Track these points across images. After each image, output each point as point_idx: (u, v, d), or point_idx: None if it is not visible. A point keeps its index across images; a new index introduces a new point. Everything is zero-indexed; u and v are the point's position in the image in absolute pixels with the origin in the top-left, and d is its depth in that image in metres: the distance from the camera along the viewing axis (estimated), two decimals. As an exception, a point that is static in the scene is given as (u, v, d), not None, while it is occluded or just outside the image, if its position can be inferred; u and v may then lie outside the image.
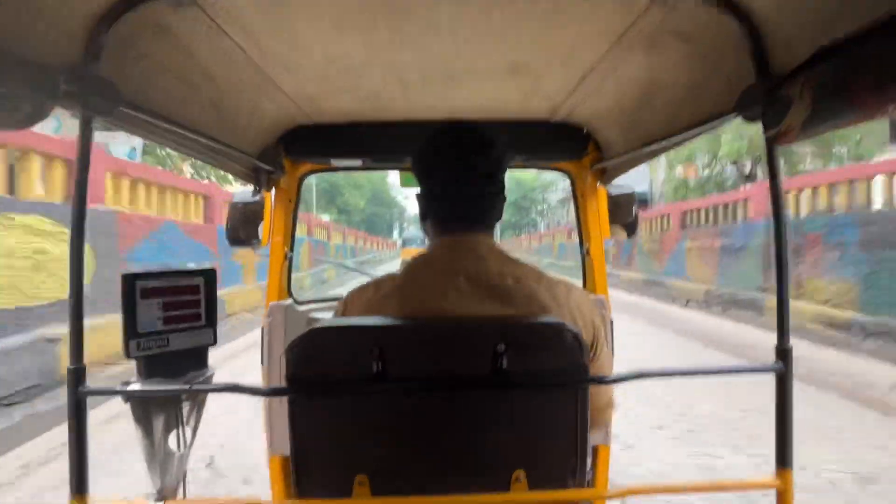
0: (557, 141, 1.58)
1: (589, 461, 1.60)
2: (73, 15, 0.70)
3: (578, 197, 1.76)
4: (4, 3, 0.60)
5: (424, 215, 0.96)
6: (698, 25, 0.86)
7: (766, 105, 0.75)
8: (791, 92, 0.69)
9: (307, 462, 0.80)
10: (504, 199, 0.96)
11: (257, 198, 1.69)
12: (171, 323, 0.85)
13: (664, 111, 1.13)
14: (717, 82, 0.92)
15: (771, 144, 0.80)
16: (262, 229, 1.74)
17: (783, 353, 0.82)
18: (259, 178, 1.53)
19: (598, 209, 1.72)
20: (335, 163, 1.67)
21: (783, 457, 0.81)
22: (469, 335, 0.78)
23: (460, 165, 0.89)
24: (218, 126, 1.18)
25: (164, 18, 0.84)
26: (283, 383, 0.78)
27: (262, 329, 1.67)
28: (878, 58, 0.55)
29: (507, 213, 39.01)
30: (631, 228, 1.74)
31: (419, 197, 0.96)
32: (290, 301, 1.75)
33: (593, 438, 1.57)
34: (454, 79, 1.24)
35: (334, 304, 1.02)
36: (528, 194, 44.93)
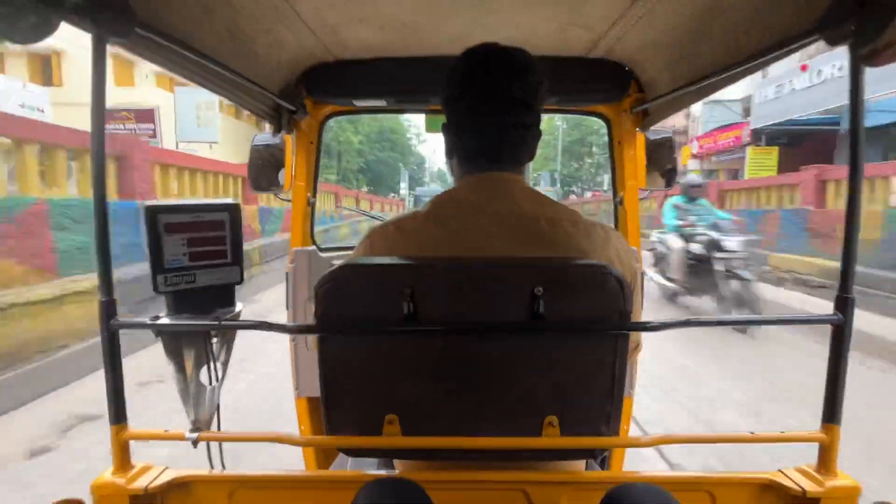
0: (596, 80, 1.46)
1: None
2: None
3: (615, 143, 1.65)
4: None
5: (450, 151, 0.89)
6: None
7: (859, 21, 0.65)
8: (892, 1, 0.59)
9: (337, 400, 0.79)
10: (539, 134, 0.87)
11: (278, 140, 1.64)
12: (197, 259, 0.83)
13: (724, 39, 1.01)
14: (793, 1, 0.80)
15: (857, 69, 0.69)
16: (284, 174, 1.70)
17: (843, 302, 0.75)
18: (280, 119, 1.48)
19: (636, 156, 1.61)
20: (359, 103, 1.59)
21: (832, 411, 0.76)
22: (505, 277, 0.74)
23: (491, 91, 0.80)
24: (236, 57, 1.11)
25: None
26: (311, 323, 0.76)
27: (287, 274, 1.67)
28: None
29: (552, 162, 32.48)
30: (669, 177, 1.64)
31: (445, 130, 0.88)
32: (313, 247, 1.74)
33: None
34: (486, 4, 1.13)
35: None
36: (586, 137, 32.38)
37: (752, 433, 0.79)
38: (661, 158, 1.63)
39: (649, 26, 1.16)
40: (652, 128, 1.58)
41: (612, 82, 1.46)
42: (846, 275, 0.75)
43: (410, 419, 0.77)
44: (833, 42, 0.71)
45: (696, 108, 22.68)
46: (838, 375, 0.76)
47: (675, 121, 26.47)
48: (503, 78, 0.80)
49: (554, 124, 31.36)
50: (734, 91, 17.04)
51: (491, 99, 0.80)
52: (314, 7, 1.12)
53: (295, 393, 1.67)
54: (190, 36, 0.94)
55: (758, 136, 15.98)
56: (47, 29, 0.60)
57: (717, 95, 17.72)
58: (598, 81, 1.47)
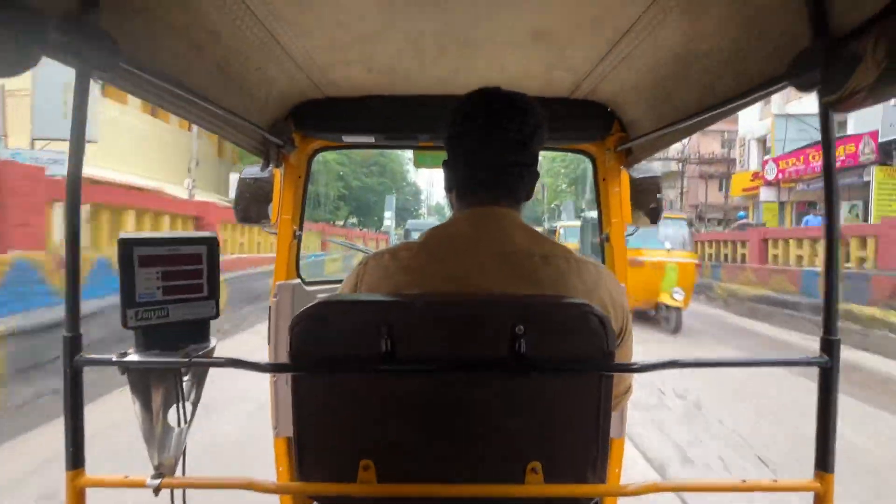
0: (580, 120, 1.50)
1: None
2: None
3: (599, 180, 1.68)
4: None
5: (450, 186, 0.91)
6: None
7: (825, 68, 0.67)
8: (857, 50, 0.61)
9: (310, 443, 0.76)
10: (537, 174, 0.89)
11: (266, 174, 1.65)
12: (171, 293, 0.81)
13: (700, 83, 1.04)
14: (764, 47, 0.84)
15: (826, 113, 0.72)
16: (272, 207, 1.70)
17: (828, 345, 0.74)
18: (268, 153, 1.49)
19: (621, 194, 1.64)
20: (347, 139, 1.61)
21: (824, 460, 0.74)
22: (486, 314, 0.72)
23: (490, 130, 0.82)
24: (225, 93, 1.13)
25: None
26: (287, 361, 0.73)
27: (269, 308, 1.64)
28: None
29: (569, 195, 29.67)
30: (654, 215, 1.66)
31: (445, 165, 0.91)
32: (297, 281, 1.71)
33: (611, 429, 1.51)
34: (473, 48, 1.17)
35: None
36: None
37: (744, 481, 0.75)
38: (646, 196, 1.66)
39: (629, 69, 1.21)
40: (638, 166, 1.62)
41: (596, 122, 1.51)
42: (829, 316, 0.75)
43: (386, 465, 0.73)
44: (802, 88, 0.73)
45: (748, 127, 19.16)
46: (829, 421, 0.74)
47: (711, 147, 25.19)
48: (503, 119, 0.83)
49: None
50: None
51: (491, 138, 0.83)
52: (304, 48, 1.15)
53: (273, 433, 1.60)
54: (178, 71, 0.95)
55: (887, 153, 11.16)
56: (28, 63, 0.60)
57: (792, 108, 15.63)
58: (583, 121, 1.51)
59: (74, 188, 0.72)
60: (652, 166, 1.68)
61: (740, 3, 0.83)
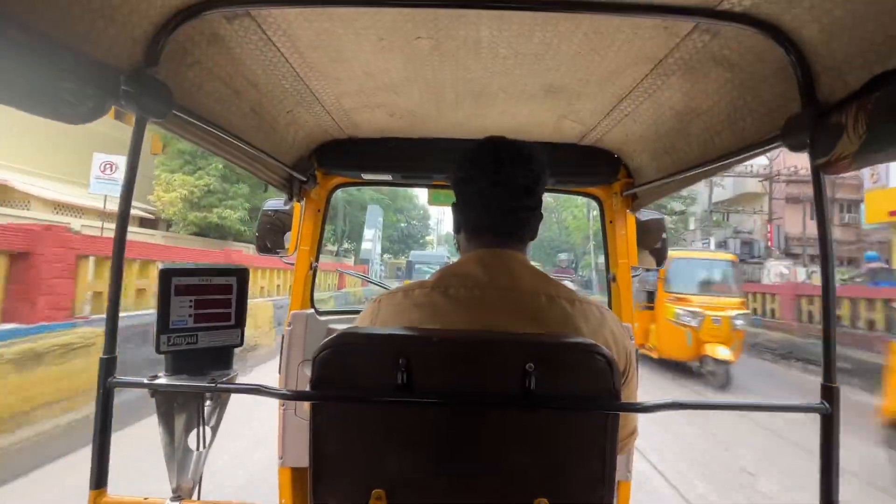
0: (588, 165, 1.58)
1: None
2: (139, 20, 0.74)
3: (606, 223, 1.74)
4: (76, 4, 0.64)
5: (458, 227, 0.96)
6: (741, 52, 0.85)
7: (814, 134, 0.73)
8: (842, 120, 0.67)
9: (325, 472, 0.78)
10: (541, 216, 0.94)
11: (287, 207, 1.73)
12: (201, 321, 0.85)
13: (700, 138, 1.11)
14: (759, 110, 0.91)
15: (818, 174, 0.77)
16: (290, 238, 1.77)
17: (828, 391, 0.77)
18: (291, 188, 1.57)
19: (627, 236, 1.69)
20: (366, 177, 1.70)
21: (828, 502, 0.75)
22: (498, 351, 0.76)
23: (497, 176, 0.88)
24: (257, 133, 1.22)
25: (219, 28, 0.88)
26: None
27: (283, 337, 1.68)
28: None
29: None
30: (659, 256, 1.71)
31: (454, 208, 0.96)
32: (311, 310, 1.76)
33: (618, 472, 1.50)
34: (488, 98, 1.26)
35: (355, 316, 1.02)
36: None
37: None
38: (651, 238, 1.71)
39: (634, 122, 1.29)
40: (643, 209, 1.68)
41: (603, 167, 1.58)
42: (829, 364, 0.78)
43: (398, 495, 0.75)
44: (794, 149, 0.79)
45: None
46: (831, 465, 0.76)
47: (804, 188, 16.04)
48: (509, 166, 0.88)
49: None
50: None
51: (497, 184, 0.88)
52: (333, 94, 1.24)
53: (279, 462, 1.60)
54: (218, 115, 1.04)
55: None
56: (100, 112, 0.68)
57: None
58: (591, 166, 1.58)
59: (123, 223, 0.78)
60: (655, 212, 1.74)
61: (737, 70, 0.90)
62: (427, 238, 42.18)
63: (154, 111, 0.80)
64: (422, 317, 0.82)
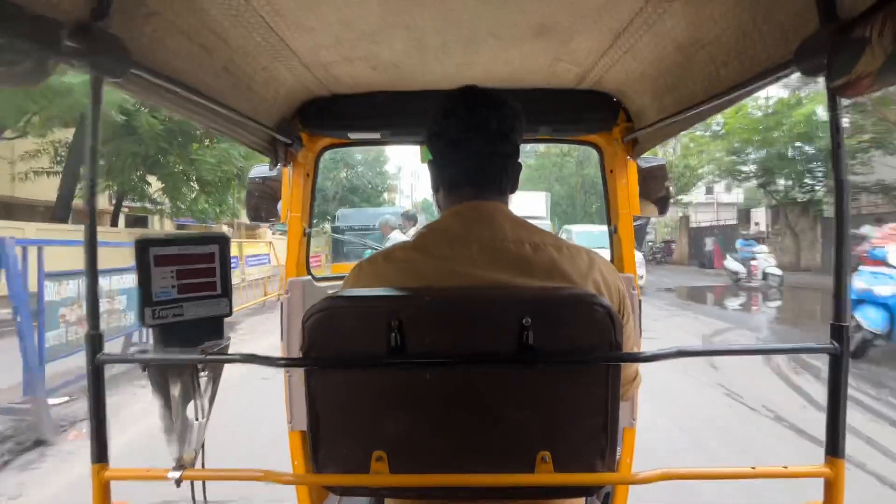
0: (585, 110, 1.50)
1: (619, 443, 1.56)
2: None
3: (607, 172, 1.68)
4: None
5: (436, 185, 0.92)
6: None
7: (832, 52, 0.67)
8: (864, 34, 0.60)
9: (324, 436, 0.77)
10: (520, 165, 0.90)
11: (275, 173, 1.67)
12: (185, 292, 0.83)
13: (705, 71, 1.03)
14: (770, 32, 0.83)
15: (835, 97, 0.71)
16: (282, 205, 1.73)
17: (838, 331, 0.74)
18: (276, 152, 1.51)
19: (628, 184, 1.63)
20: (353, 136, 1.62)
21: (834, 445, 0.74)
22: (492, 307, 0.73)
23: (470, 123, 0.84)
24: (232, 93, 1.15)
25: None
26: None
27: (281, 305, 1.67)
28: None
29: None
30: (662, 205, 1.66)
31: (430, 165, 0.92)
32: (308, 277, 1.74)
33: (623, 419, 1.52)
34: (476, 43, 1.17)
35: None
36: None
37: (754, 468, 0.76)
38: (654, 186, 1.65)
39: (634, 59, 1.20)
40: (645, 156, 1.61)
41: (602, 113, 1.50)
42: (839, 303, 0.75)
43: (399, 455, 0.75)
44: (808, 73, 0.73)
45: None
46: (839, 407, 0.74)
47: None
48: (480, 111, 0.84)
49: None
50: None
51: (469, 130, 0.84)
52: (308, 47, 1.16)
53: (288, 427, 1.63)
54: (186, 74, 0.97)
55: None
56: (44, 72, 0.62)
57: None
58: (589, 112, 1.50)
59: (92, 194, 0.74)
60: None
61: None
62: (385, 195, 28.46)
63: (109, 69, 0.73)
64: (403, 277, 0.79)
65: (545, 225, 9.38)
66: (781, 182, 17.66)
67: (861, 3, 0.64)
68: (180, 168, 11.69)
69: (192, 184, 12.42)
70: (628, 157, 1.59)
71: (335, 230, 10.44)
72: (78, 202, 11.40)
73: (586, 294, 0.72)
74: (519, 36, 1.13)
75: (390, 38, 1.14)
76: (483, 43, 1.17)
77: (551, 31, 1.10)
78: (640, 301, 1.55)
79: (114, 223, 13.66)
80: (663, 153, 19.41)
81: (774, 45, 0.81)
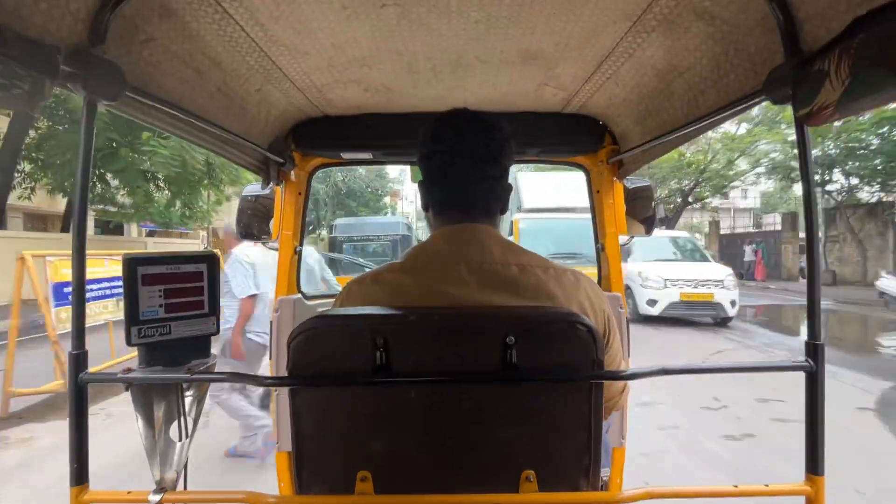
0: (572, 133, 1.54)
1: (609, 463, 1.55)
2: None
3: (594, 192, 1.71)
4: None
5: (426, 205, 0.93)
6: (722, 3, 0.82)
7: (796, 84, 0.70)
8: (824, 68, 0.64)
9: (309, 455, 0.77)
10: (509, 188, 0.92)
11: (267, 191, 1.69)
12: (172, 311, 0.83)
13: (684, 97, 1.08)
14: (741, 63, 0.87)
15: (802, 125, 0.75)
16: (274, 223, 1.74)
17: (813, 349, 0.76)
18: (269, 171, 1.52)
19: (615, 204, 1.66)
20: (345, 156, 1.65)
21: (814, 463, 0.75)
22: (476, 326, 0.74)
23: (457, 147, 0.85)
24: (226, 114, 1.17)
25: (170, 1, 0.82)
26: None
27: (271, 323, 1.66)
28: None
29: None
30: (649, 224, 1.69)
31: (420, 186, 0.93)
32: (298, 296, 1.74)
33: (612, 438, 1.52)
34: (465, 68, 1.21)
35: None
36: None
37: (736, 486, 0.77)
38: (641, 207, 1.68)
39: (617, 85, 1.25)
40: (631, 177, 1.65)
41: (588, 135, 1.54)
42: (813, 321, 0.77)
43: (384, 476, 0.74)
44: (777, 102, 0.76)
45: None
46: (816, 424, 0.76)
47: None
48: (469, 135, 0.86)
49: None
50: None
51: (457, 154, 0.86)
52: (302, 70, 1.19)
53: (276, 447, 1.61)
54: (180, 96, 0.99)
55: None
56: (41, 96, 0.64)
57: None
58: (575, 135, 1.55)
59: (82, 212, 0.75)
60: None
61: (719, 22, 0.86)
62: (385, 200, 25.12)
63: (103, 92, 0.75)
64: (391, 299, 0.80)
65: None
66: (841, 180, 15.09)
67: (821, 38, 0.68)
68: (132, 161, 9.57)
69: (158, 183, 10.60)
70: (614, 179, 1.63)
71: (332, 242, 9.63)
72: (25, 202, 10.04)
73: (568, 313, 0.74)
74: (506, 61, 1.17)
75: (382, 63, 1.18)
76: (471, 68, 1.21)
77: (537, 57, 1.14)
78: (627, 320, 1.57)
79: (64, 228, 12.12)
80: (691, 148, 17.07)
81: (745, 76, 0.86)
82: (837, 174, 14.98)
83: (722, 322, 8.89)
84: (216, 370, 0.87)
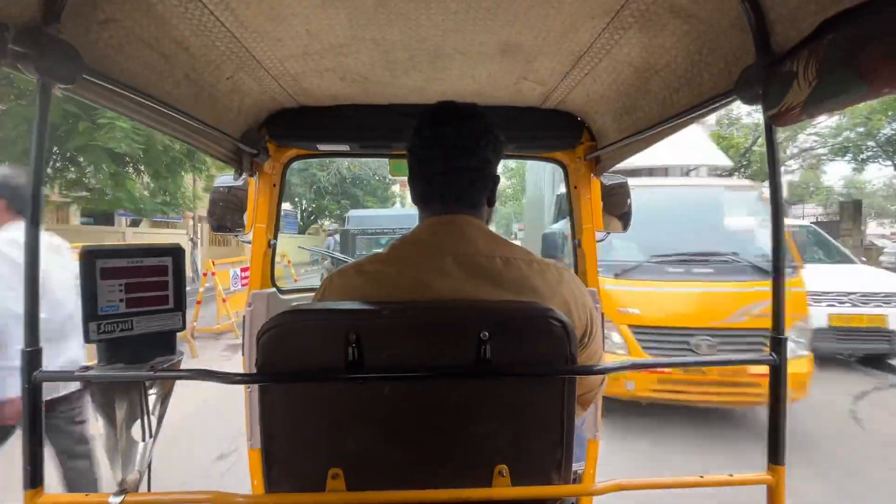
0: (550, 129, 1.54)
1: (584, 456, 1.58)
2: None
3: (571, 188, 1.72)
4: None
5: (413, 199, 0.92)
6: (696, 1, 0.82)
7: (766, 84, 0.72)
8: (793, 68, 0.65)
9: (279, 453, 0.75)
10: (496, 178, 0.91)
11: (240, 183, 1.64)
12: (134, 306, 0.80)
13: (660, 95, 1.09)
14: (715, 63, 0.89)
15: (770, 125, 0.76)
16: (247, 216, 1.69)
17: (777, 343, 0.78)
18: (242, 162, 1.48)
19: (592, 201, 1.68)
20: (321, 148, 1.61)
21: (775, 453, 0.78)
22: (451, 321, 0.73)
23: (432, 140, 0.85)
24: (195, 102, 1.12)
25: None
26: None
27: (244, 318, 1.62)
28: (889, 26, 0.51)
29: None
30: (625, 220, 1.71)
31: (409, 179, 0.92)
32: (273, 290, 1.70)
33: (587, 431, 1.54)
34: (443, 59, 1.19)
35: None
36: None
37: (702, 476, 0.78)
38: (617, 203, 1.70)
39: (595, 81, 1.25)
40: (608, 173, 1.67)
41: (566, 131, 1.55)
42: (777, 316, 0.79)
43: (356, 473, 0.73)
44: (748, 102, 0.78)
45: None
46: (779, 416, 0.78)
47: None
48: (443, 127, 0.86)
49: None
50: None
51: (432, 147, 0.85)
52: (276, 57, 1.15)
53: (248, 444, 1.58)
54: (146, 81, 0.95)
55: None
56: None
57: None
58: (553, 130, 1.55)
59: (36, 202, 0.70)
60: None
61: (694, 21, 0.87)
62: (395, 189, 23.56)
63: (58, 75, 0.71)
64: (374, 290, 0.79)
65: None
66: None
67: (791, 39, 0.70)
68: (94, 138, 7.88)
69: (128, 164, 9.15)
70: (592, 175, 1.64)
71: (345, 235, 9.07)
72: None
73: (543, 308, 0.74)
74: (485, 54, 1.16)
75: (358, 52, 1.15)
76: (450, 59, 1.19)
77: (516, 50, 1.13)
78: (601, 314, 1.59)
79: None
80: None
81: (719, 75, 0.87)
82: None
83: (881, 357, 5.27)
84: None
